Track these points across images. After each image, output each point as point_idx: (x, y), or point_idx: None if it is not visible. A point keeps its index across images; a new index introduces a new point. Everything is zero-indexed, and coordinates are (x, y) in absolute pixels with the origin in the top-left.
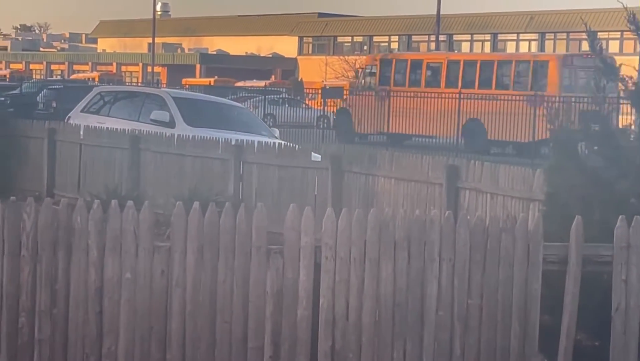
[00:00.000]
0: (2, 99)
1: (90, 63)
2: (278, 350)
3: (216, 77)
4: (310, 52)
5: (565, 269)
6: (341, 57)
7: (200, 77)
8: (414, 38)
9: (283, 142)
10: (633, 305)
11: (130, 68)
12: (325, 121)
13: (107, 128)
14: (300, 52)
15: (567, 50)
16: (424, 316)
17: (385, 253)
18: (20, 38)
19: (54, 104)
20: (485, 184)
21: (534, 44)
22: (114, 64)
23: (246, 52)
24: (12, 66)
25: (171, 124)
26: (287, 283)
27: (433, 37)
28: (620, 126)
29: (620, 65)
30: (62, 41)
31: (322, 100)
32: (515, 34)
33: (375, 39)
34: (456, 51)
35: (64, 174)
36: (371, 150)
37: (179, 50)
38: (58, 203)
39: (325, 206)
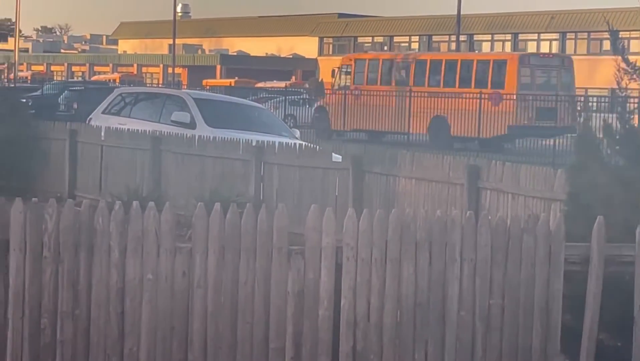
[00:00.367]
0: (24, 100)
1: (111, 64)
2: (299, 350)
3: (236, 78)
4: (330, 52)
5: (587, 270)
6: None
7: (220, 78)
8: (435, 38)
9: (304, 143)
10: None
11: (151, 69)
12: None
13: (128, 129)
14: (320, 53)
15: (588, 51)
16: (445, 316)
17: (407, 254)
18: (41, 40)
19: (75, 106)
20: (507, 184)
21: (554, 43)
22: (135, 65)
23: (266, 53)
24: (33, 67)
25: (192, 125)
26: (308, 284)
27: (454, 38)
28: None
29: None
30: (83, 43)
31: None
32: (536, 34)
33: (396, 39)
34: (477, 51)
35: (85, 176)
36: (392, 150)
37: (199, 52)
38: (80, 204)
39: (346, 207)
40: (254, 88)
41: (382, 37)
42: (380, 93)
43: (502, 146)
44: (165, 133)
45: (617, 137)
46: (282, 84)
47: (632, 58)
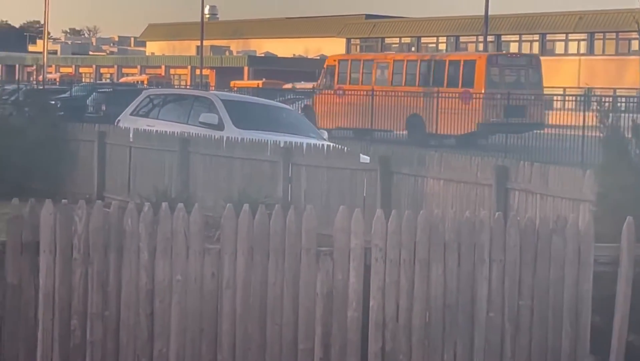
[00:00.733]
0: (53, 102)
1: (139, 66)
2: (328, 351)
3: (264, 79)
4: (357, 53)
5: (616, 270)
6: None
7: (248, 79)
8: (462, 39)
9: (332, 144)
10: None
11: (179, 71)
12: None
13: (157, 131)
14: (348, 54)
15: (616, 51)
16: (474, 317)
17: (435, 255)
18: (69, 42)
19: (104, 108)
20: (535, 185)
21: (582, 44)
22: (163, 66)
23: (294, 54)
24: (62, 69)
25: (220, 126)
26: (337, 285)
27: (481, 38)
28: None
29: None
30: (111, 45)
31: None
32: (564, 34)
33: (423, 40)
34: (504, 51)
35: (114, 177)
36: (420, 151)
37: (227, 53)
38: (108, 205)
39: (374, 208)
40: (282, 89)
41: (409, 38)
42: (361, 93)
43: (476, 143)
44: (194, 135)
45: None
46: (309, 85)
47: None
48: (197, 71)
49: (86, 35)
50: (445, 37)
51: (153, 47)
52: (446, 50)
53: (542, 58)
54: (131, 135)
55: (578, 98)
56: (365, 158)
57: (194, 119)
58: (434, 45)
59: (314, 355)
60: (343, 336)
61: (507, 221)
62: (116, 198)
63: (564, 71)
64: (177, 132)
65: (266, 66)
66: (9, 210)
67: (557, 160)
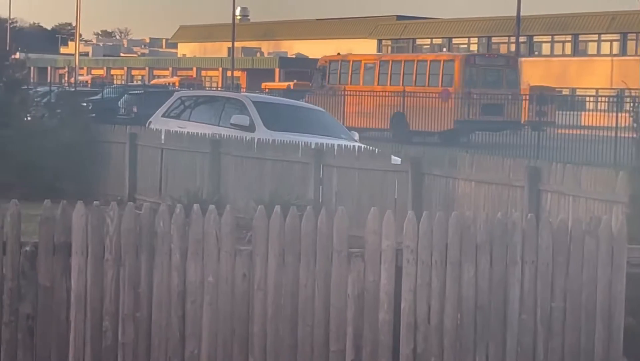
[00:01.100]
0: (84, 104)
1: (170, 68)
2: (360, 353)
3: (295, 81)
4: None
5: None
6: None
7: (279, 81)
8: (494, 40)
9: (362, 145)
10: None
11: (210, 72)
12: None
13: (188, 132)
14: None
15: None
16: (506, 319)
17: (467, 256)
18: (101, 44)
19: (135, 109)
20: (567, 187)
21: (615, 45)
22: (194, 68)
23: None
24: (93, 71)
25: (251, 128)
26: (368, 287)
27: (513, 39)
28: None
29: None
30: (143, 46)
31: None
32: (597, 35)
33: (455, 41)
34: (536, 53)
35: (145, 179)
36: (452, 153)
37: (258, 55)
38: (140, 207)
39: (405, 209)
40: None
41: (440, 39)
42: (350, 92)
43: (458, 140)
44: (225, 136)
45: None
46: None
47: None
48: (228, 73)
49: (118, 37)
50: (476, 38)
51: (184, 49)
52: (478, 51)
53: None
54: (162, 136)
55: (611, 99)
56: (396, 160)
57: (225, 121)
58: (466, 46)
59: (345, 357)
60: (374, 337)
61: (539, 223)
62: (147, 199)
63: (597, 72)
64: (209, 134)
65: (297, 67)
66: (41, 212)
67: (590, 161)
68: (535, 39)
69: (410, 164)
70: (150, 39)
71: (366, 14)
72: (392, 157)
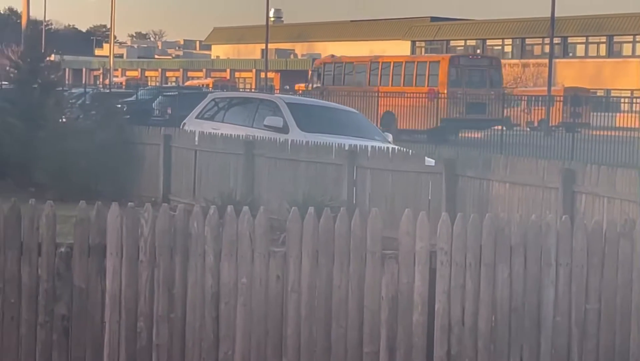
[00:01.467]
0: (119, 106)
1: (204, 70)
2: (393, 355)
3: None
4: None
5: None
6: None
7: None
8: (528, 41)
9: (396, 147)
10: None
11: (244, 74)
12: None
13: (222, 134)
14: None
15: None
16: (540, 321)
17: (501, 258)
18: (135, 46)
19: (169, 111)
20: (602, 188)
21: None
22: (228, 70)
23: None
24: (127, 73)
25: (285, 129)
26: (402, 288)
27: (547, 40)
28: None
29: None
30: (177, 48)
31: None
32: (632, 36)
33: (489, 42)
34: (571, 54)
35: (179, 180)
36: (486, 154)
37: (291, 56)
38: (174, 208)
39: (439, 211)
40: None
41: (474, 41)
42: (343, 93)
43: (446, 138)
44: (259, 138)
45: None
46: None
47: None
48: (262, 74)
49: (152, 39)
50: (510, 39)
51: (218, 51)
52: (512, 52)
53: (609, 60)
54: (196, 138)
55: None
56: (430, 161)
57: (258, 122)
58: (500, 47)
59: (379, 358)
60: (408, 339)
61: (573, 225)
62: (181, 200)
63: (632, 73)
64: (242, 136)
65: None
66: (76, 213)
67: (625, 163)
68: (570, 40)
69: (444, 166)
70: (184, 40)
71: (400, 15)
72: (426, 158)
